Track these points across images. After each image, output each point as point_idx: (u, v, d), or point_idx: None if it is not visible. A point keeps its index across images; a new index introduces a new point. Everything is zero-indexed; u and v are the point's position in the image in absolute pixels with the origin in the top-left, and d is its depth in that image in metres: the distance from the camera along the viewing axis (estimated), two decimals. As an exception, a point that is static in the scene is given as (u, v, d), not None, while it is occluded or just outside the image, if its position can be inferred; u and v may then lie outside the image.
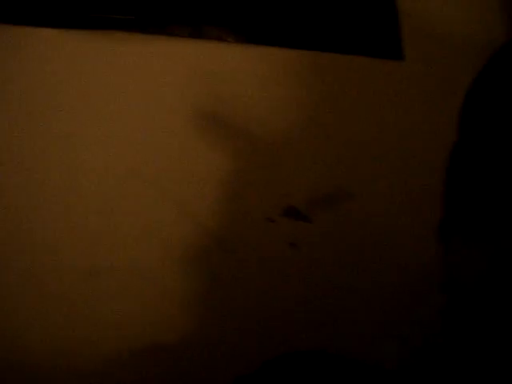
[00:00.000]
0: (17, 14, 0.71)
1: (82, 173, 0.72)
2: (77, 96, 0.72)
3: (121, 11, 0.73)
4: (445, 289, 0.44)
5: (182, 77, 0.75)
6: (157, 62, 0.75)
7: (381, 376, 0.52)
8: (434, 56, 0.82)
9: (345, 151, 0.78)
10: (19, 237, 0.70)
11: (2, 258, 0.69)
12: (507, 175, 0.39)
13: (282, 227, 0.75)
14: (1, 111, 0.71)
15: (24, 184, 0.70)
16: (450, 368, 0.46)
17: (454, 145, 0.47)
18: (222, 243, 0.74)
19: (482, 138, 0.42)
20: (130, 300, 0.71)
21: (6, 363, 0.67)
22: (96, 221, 0.71)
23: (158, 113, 0.74)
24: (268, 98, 0.76)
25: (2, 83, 0.71)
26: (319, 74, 0.78)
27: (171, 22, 0.74)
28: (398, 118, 0.81)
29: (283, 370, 0.52)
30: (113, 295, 0.70)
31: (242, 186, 0.75)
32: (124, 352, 0.70)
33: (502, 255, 0.38)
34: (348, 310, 0.76)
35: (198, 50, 0.75)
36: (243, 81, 0.76)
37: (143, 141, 0.74)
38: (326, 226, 0.76)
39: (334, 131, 0.78)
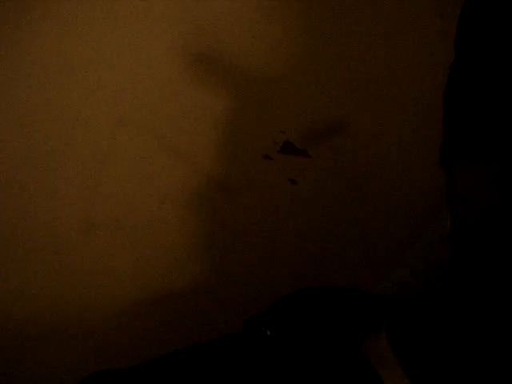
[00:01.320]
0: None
1: (72, 123, 0.70)
2: (56, 49, 0.70)
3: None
4: (450, 215, 0.44)
5: (167, 18, 0.73)
6: (138, 7, 0.72)
7: (388, 304, 0.53)
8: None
9: (339, 81, 0.77)
10: (9, 191, 0.69)
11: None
12: (506, 88, 0.38)
13: (281, 164, 0.75)
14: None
15: (13, 137, 0.69)
16: (459, 297, 0.46)
17: (451, 65, 0.46)
18: (221, 185, 0.74)
19: (478, 52, 0.41)
20: (131, 252, 0.71)
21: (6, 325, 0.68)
22: (88, 173, 0.70)
23: (145, 58, 0.72)
24: (256, 33, 0.74)
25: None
26: (305, 2, 0.76)
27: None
28: (395, 40, 0.79)
29: (291, 307, 0.53)
30: (112, 248, 0.70)
31: (237, 125, 0.74)
32: (129, 304, 0.71)
33: (502, 174, 0.38)
34: (352, 242, 0.77)
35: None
36: (230, 17, 0.74)
37: (132, 87, 0.72)
38: (324, 159, 0.76)
39: (326, 62, 0.76)
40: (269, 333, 0.50)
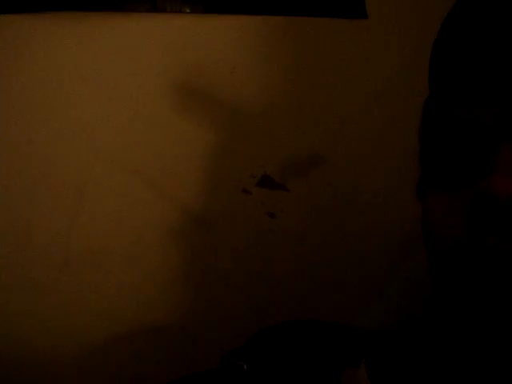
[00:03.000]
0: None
1: (49, 158, 0.71)
2: (35, 81, 0.70)
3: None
4: (424, 244, 0.45)
5: (145, 52, 0.74)
6: (117, 40, 0.73)
7: (370, 339, 0.53)
8: (395, 12, 0.81)
9: (315, 116, 0.78)
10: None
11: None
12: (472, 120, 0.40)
13: (259, 198, 0.75)
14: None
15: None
16: (437, 330, 0.46)
17: (425, 100, 0.47)
18: (200, 219, 0.73)
19: (450, 86, 0.42)
20: (107, 287, 0.70)
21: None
22: (65, 207, 0.70)
23: (124, 90, 0.73)
24: (233, 67, 0.75)
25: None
26: (284, 39, 0.77)
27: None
28: (367, 77, 0.80)
29: (269, 341, 0.53)
30: (88, 283, 0.70)
31: (215, 159, 0.74)
32: (106, 337, 0.70)
33: (472, 202, 0.39)
34: (330, 275, 0.77)
35: (157, 24, 0.74)
36: (207, 51, 0.75)
37: (109, 122, 0.72)
38: (301, 192, 0.76)
39: (304, 96, 0.77)
40: (245, 367, 0.50)
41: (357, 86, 0.80)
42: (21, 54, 0.70)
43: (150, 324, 0.71)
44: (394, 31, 0.81)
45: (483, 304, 0.38)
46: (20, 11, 0.70)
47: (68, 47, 0.71)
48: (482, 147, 0.40)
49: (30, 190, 0.70)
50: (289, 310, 0.74)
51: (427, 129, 0.46)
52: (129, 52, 0.73)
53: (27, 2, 0.70)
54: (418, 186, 0.48)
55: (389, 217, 0.78)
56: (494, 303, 0.38)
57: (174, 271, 0.72)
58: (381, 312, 0.72)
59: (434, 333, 0.48)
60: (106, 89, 0.72)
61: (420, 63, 0.67)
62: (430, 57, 0.47)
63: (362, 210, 0.78)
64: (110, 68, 0.73)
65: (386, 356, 0.49)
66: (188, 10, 0.73)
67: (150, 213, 0.72)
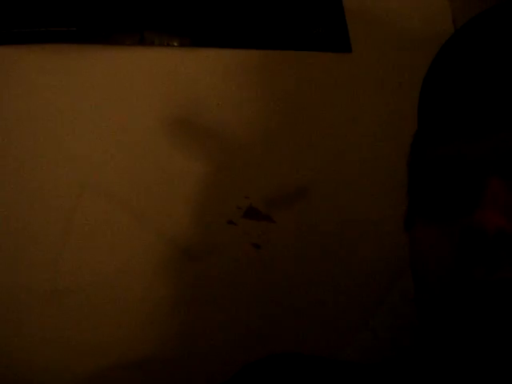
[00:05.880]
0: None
1: (36, 187, 0.70)
2: (21, 111, 0.71)
3: (62, 23, 0.71)
4: (413, 278, 0.45)
5: (132, 85, 0.74)
6: (104, 72, 0.73)
7: (357, 372, 0.53)
8: (379, 46, 0.83)
9: (301, 148, 0.79)
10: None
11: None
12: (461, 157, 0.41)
13: (245, 229, 0.75)
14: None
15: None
16: (423, 360, 0.46)
17: (414, 134, 0.48)
18: (186, 251, 0.73)
19: (437, 122, 0.43)
20: (94, 319, 0.70)
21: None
22: (51, 239, 0.69)
23: (111, 122, 0.73)
24: (219, 100, 0.76)
25: None
26: (270, 72, 0.78)
27: (115, 31, 0.73)
28: (352, 110, 0.82)
29: (255, 379, 0.52)
30: (74, 316, 0.69)
31: (201, 190, 0.75)
32: (91, 370, 0.69)
33: (460, 235, 0.39)
34: (316, 306, 0.77)
35: (145, 57, 0.74)
36: (195, 84, 0.75)
37: (95, 151, 0.72)
38: (287, 224, 0.77)
39: (290, 129, 0.78)
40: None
41: (342, 119, 0.81)
42: (6, 84, 0.70)
43: (135, 357, 0.70)
44: (378, 65, 0.83)
45: (471, 336, 0.39)
46: (5, 43, 0.70)
47: (54, 79, 0.71)
48: (469, 181, 0.41)
49: (17, 218, 0.69)
50: (275, 341, 0.74)
51: (415, 163, 0.46)
52: (116, 84, 0.73)
53: (12, 35, 0.70)
54: (405, 217, 0.48)
55: (375, 248, 0.78)
56: (482, 335, 0.38)
57: (160, 303, 0.72)
58: (367, 343, 0.72)
59: (421, 364, 0.48)
60: (93, 120, 0.72)
61: (404, 96, 0.68)
62: (420, 92, 0.48)
63: (347, 242, 0.78)
64: (97, 100, 0.73)
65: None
66: (176, 44, 0.74)
67: (136, 244, 0.72)
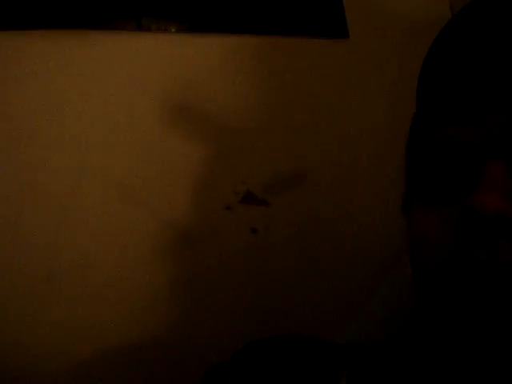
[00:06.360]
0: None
1: (37, 172, 0.70)
2: (19, 96, 0.71)
3: (60, 9, 0.71)
4: (410, 259, 0.45)
5: (130, 70, 0.74)
6: (102, 57, 0.73)
7: (350, 352, 0.53)
8: (376, 31, 0.83)
9: (297, 133, 0.79)
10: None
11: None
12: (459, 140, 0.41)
13: (242, 214, 0.76)
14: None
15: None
16: (420, 342, 0.47)
17: (412, 117, 0.48)
18: (183, 235, 0.74)
19: (436, 104, 0.43)
20: (92, 300, 0.70)
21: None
22: (50, 221, 0.70)
23: (110, 106, 0.73)
24: (218, 86, 0.76)
25: None
26: (267, 58, 0.78)
27: (112, 17, 0.73)
28: (349, 95, 0.82)
29: (253, 357, 0.53)
30: (72, 297, 0.69)
31: (200, 175, 0.75)
32: (89, 352, 0.70)
33: (460, 216, 0.39)
34: (313, 289, 0.77)
35: (143, 43, 0.74)
36: (192, 70, 0.76)
37: (97, 136, 0.73)
38: (283, 208, 0.77)
39: (286, 114, 0.79)
40: (229, 383, 0.50)
41: (338, 104, 0.81)
42: (5, 69, 0.70)
43: (134, 339, 0.71)
44: (375, 50, 0.83)
45: (470, 317, 0.39)
46: (3, 29, 0.70)
47: (52, 64, 0.72)
48: (468, 164, 0.41)
49: (15, 201, 0.69)
50: (274, 324, 0.74)
51: (414, 146, 0.46)
52: (114, 70, 0.73)
53: (11, 20, 0.70)
54: (403, 200, 0.49)
55: (371, 230, 0.79)
56: (481, 316, 0.38)
57: (159, 286, 0.72)
58: (364, 326, 0.73)
59: (416, 346, 0.48)
60: (92, 104, 0.73)
61: (401, 81, 0.68)
62: (419, 76, 0.48)
63: (343, 225, 0.79)
64: (95, 85, 0.73)
65: (368, 370, 0.50)
66: (173, 30, 0.74)
67: (134, 228, 0.73)
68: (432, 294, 0.42)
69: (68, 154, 0.71)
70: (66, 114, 0.72)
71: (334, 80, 0.81)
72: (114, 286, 0.71)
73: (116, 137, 0.73)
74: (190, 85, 0.75)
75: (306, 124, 0.79)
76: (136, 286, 0.72)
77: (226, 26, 0.76)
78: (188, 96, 0.75)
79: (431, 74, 0.46)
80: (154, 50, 0.74)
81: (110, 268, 0.71)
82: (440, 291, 0.41)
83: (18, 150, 0.70)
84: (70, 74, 0.72)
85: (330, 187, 0.79)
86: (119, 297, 0.71)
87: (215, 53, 0.76)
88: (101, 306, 0.71)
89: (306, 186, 0.78)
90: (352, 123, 0.81)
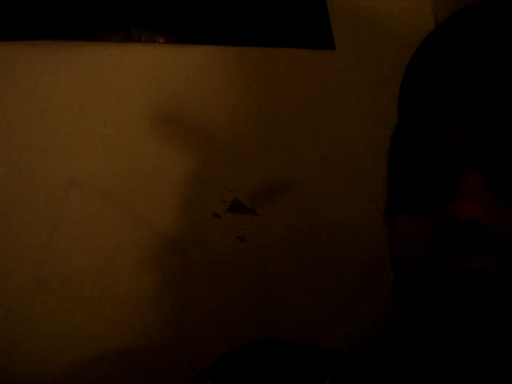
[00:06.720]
0: None
1: (25, 182, 0.71)
2: (8, 109, 0.71)
3: (49, 20, 0.72)
4: (392, 265, 0.46)
5: (119, 81, 0.75)
6: (90, 69, 0.74)
7: (333, 358, 0.54)
8: (362, 43, 0.84)
9: (284, 142, 0.80)
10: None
11: None
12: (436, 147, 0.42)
13: (229, 222, 0.76)
14: None
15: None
16: (401, 346, 0.48)
17: (394, 127, 0.49)
18: (173, 244, 0.74)
19: (415, 114, 0.44)
20: (82, 311, 0.70)
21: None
22: (40, 231, 0.70)
23: (98, 118, 0.74)
24: (206, 96, 0.77)
25: None
26: (254, 69, 0.79)
27: (101, 27, 0.74)
28: (335, 106, 0.83)
29: (239, 363, 0.53)
30: (61, 306, 0.70)
31: (187, 184, 0.76)
32: (79, 362, 0.70)
33: (438, 225, 0.40)
34: (299, 296, 0.78)
35: (131, 54, 0.75)
36: (180, 80, 0.76)
37: (85, 147, 0.73)
38: (271, 217, 0.78)
39: (273, 124, 0.79)
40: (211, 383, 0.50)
41: (324, 114, 0.82)
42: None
43: (122, 348, 0.71)
44: (361, 62, 0.84)
45: (450, 323, 0.40)
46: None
47: (41, 75, 0.72)
48: (445, 173, 0.42)
49: (4, 212, 0.70)
50: (261, 331, 0.75)
51: (395, 155, 0.47)
52: (103, 80, 0.74)
53: (0, 31, 0.71)
54: (385, 209, 0.50)
55: (356, 240, 0.80)
56: (461, 323, 0.39)
57: (147, 295, 0.73)
58: (350, 332, 0.73)
59: (399, 352, 0.49)
60: (80, 116, 0.73)
61: (385, 92, 0.69)
62: (400, 86, 0.49)
63: (331, 235, 0.80)
64: (83, 96, 0.73)
65: (351, 374, 0.51)
66: (162, 40, 0.75)
67: (122, 237, 0.73)
68: (412, 299, 0.43)
69: (56, 164, 0.72)
70: (53, 124, 0.72)
71: (319, 91, 0.82)
72: (103, 295, 0.72)
73: (104, 146, 0.73)
74: (178, 95, 0.76)
75: (293, 133, 0.80)
76: (124, 294, 0.72)
77: (213, 37, 0.77)
78: (176, 106, 0.76)
79: (410, 84, 0.47)
80: (142, 61, 0.75)
81: (98, 277, 0.72)
82: (418, 297, 0.42)
83: (8, 162, 0.70)
84: (57, 85, 0.72)
85: (316, 195, 0.80)
86: (108, 306, 0.72)
87: (203, 63, 0.77)
88: (89, 315, 0.71)
89: (292, 194, 0.79)
90: (337, 133, 0.82)
